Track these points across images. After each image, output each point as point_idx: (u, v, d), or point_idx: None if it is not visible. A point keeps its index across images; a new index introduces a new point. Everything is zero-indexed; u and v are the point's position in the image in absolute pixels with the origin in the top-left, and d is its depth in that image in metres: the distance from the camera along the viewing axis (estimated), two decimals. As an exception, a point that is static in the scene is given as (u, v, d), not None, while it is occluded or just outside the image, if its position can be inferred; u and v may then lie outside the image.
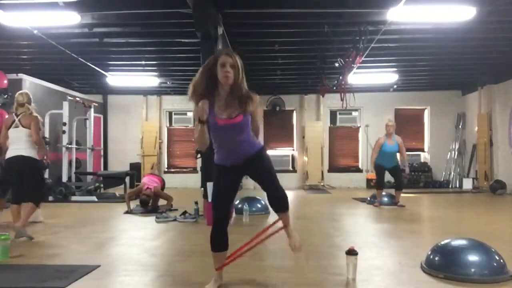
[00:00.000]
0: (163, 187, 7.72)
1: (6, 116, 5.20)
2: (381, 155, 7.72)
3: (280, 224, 3.05)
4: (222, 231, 2.95)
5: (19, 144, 4.88)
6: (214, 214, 2.95)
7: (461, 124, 12.37)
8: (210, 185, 5.88)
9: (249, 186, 10.79)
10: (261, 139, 2.91)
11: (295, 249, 3.00)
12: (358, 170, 12.74)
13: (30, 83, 9.09)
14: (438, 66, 9.82)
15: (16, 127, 4.92)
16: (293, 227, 3.06)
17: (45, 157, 5.47)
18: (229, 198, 2.99)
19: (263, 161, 2.96)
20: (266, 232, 3.16)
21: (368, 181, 12.14)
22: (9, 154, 4.91)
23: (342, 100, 8.79)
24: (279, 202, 2.97)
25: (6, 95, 8.47)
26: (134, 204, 7.32)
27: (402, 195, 7.98)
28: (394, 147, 7.70)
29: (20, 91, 5.18)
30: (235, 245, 3.09)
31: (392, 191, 7.92)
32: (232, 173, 2.92)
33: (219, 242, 2.96)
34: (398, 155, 7.86)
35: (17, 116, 4.96)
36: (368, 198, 8.43)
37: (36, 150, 4.97)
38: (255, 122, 2.90)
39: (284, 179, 3.00)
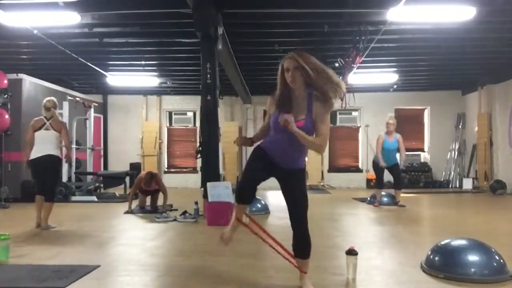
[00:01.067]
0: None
1: (36, 119, 5.56)
2: (381, 152, 7.71)
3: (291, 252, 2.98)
4: (252, 185, 2.83)
5: (47, 144, 5.38)
6: (244, 174, 2.86)
7: (461, 124, 12.37)
8: (210, 185, 5.89)
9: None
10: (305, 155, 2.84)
11: None
12: (358, 170, 12.74)
13: (30, 83, 9.07)
14: (438, 66, 9.82)
15: (47, 129, 5.43)
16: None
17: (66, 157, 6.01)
18: (259, 176, 2.84)
19: (303, 185, 2.91)
20: (284, 251, 3.06)
21: (368, 181, 12.14)
22: (37, 154, 5.33)
23: (342, 100, 8.76)
24: (305, 249, 2.88)
25: (6, 95, 8.47)
26: (134, 204, 7.32)
27: (402, 195, 7.98)
28: (394, 143, 7.70)
29: (48, 98, 5.65)
30: (235, 246, 3.08)
31: (392, 191, 7.91)
32: (271, 165, 2.79)
33: (245, 193, 2.84)
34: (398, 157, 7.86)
35: (47, 119, 5.46)
36: (368, 198, 8.43)
37: (60, 151, 5.53)
38: (315, 124, 2.72)
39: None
